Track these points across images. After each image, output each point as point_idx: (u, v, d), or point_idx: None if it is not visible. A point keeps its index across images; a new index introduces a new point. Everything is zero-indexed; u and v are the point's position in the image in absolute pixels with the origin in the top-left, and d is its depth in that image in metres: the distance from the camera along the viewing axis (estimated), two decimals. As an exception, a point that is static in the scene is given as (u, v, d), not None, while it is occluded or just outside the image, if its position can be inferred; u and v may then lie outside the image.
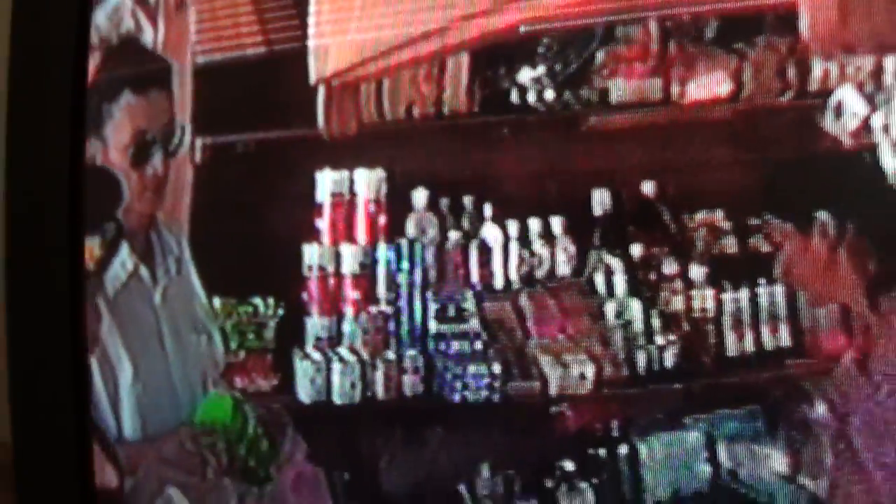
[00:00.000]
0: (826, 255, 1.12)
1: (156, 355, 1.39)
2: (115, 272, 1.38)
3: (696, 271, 1.20)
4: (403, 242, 1.30)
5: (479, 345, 1.26)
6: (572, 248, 1.23)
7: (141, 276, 1.40)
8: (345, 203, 1.34)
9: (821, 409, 1.13)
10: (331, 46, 1.30)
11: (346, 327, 1.33)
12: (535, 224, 1.25)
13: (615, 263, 1.22)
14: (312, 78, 1.32)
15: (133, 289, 1.39)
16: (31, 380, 1.36)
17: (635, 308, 1.22)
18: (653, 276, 1.21)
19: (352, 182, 1.34)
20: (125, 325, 1.39)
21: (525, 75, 1.24)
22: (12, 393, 1.36)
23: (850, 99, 1.11)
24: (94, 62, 1.37)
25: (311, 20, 1.31)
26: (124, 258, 1.39)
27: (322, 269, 1.34)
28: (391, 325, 1.31)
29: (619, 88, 1.21)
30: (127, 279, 1.39)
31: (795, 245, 1.14)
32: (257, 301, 1.36)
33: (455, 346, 1.27)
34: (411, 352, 1.30)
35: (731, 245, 1.18)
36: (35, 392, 1.36)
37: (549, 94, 1.23)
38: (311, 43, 1.31)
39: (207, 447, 1.35)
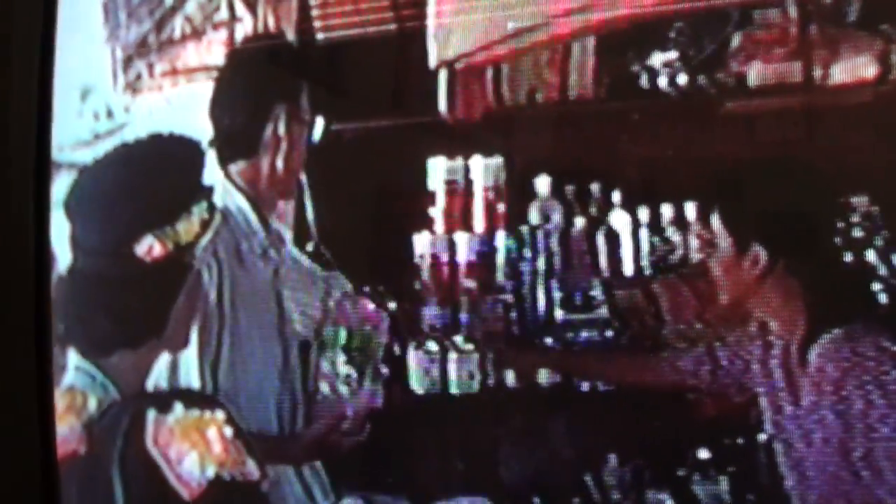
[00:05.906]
0: None
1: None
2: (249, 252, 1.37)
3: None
4: (525, 230, 1.28)
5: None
6: (707, 234, 1.21)
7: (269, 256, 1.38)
8: (460, 191, 1.32)
9: None
10: (454, 29, 1.28)
11: (463, 316, 1.31)
12: (667, 210, 1.23)
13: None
14: (433, 62, 1.30)
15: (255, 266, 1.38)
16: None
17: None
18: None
19: (467, 169, 1.31)
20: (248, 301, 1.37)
21: (657, 59, 1.22)
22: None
23: None
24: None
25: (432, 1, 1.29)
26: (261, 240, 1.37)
27: (435, 257, 1.32)
28: (513, 314, 1.28)
29: (757, 72, 1.19)
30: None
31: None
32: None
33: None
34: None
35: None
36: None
37: (682, 79, 1.21)
38: (431, 24, 1.29)
39: None
